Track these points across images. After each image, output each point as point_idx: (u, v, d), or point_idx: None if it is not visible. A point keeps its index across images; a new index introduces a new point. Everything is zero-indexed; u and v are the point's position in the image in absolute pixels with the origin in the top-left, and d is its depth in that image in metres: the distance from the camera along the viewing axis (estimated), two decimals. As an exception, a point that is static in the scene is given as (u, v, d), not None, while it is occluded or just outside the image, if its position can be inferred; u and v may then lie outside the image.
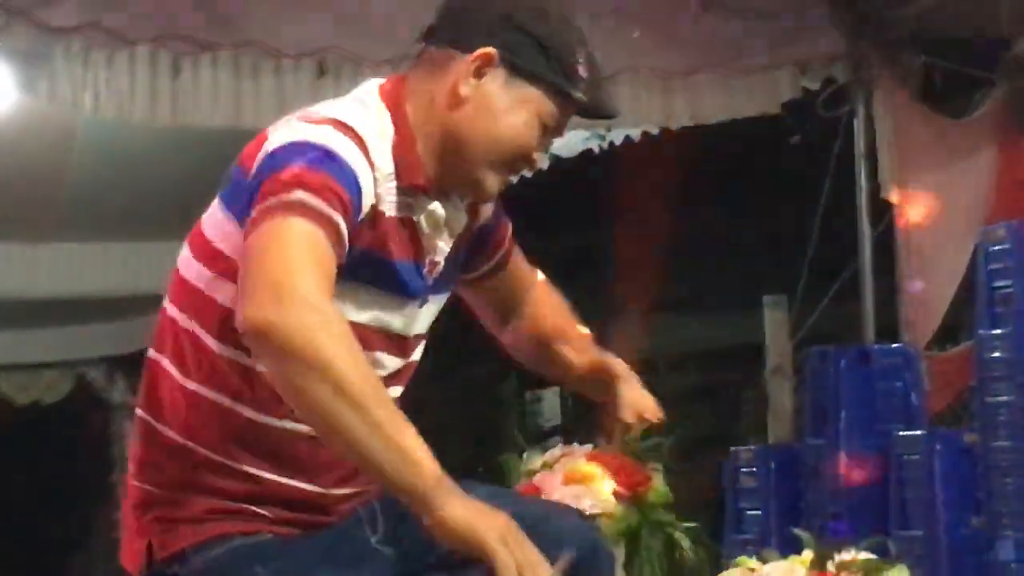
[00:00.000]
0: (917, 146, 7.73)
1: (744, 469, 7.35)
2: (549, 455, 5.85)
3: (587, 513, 5.45)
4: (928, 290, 7.63)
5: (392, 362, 3.09)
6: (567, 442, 6.16)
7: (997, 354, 5.77)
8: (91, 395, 17.00)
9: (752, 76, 7.59)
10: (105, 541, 17.79)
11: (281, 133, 2.89)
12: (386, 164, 2.91)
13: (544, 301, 3.51)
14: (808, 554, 4.20)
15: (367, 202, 2.86)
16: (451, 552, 2.87)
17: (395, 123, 2.96)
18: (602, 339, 3.52)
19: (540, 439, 11.77)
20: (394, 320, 3.04)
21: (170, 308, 3.05)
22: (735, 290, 10.24)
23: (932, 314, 7.63)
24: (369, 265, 2.94)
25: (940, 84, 7.86)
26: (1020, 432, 5.63)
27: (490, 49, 2.90)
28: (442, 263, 3.07)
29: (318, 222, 2.73)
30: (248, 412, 2.99)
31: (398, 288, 3.00)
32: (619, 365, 3.48)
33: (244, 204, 2.84)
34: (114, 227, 10.61)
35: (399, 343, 3.09)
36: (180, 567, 2.95)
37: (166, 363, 3.03)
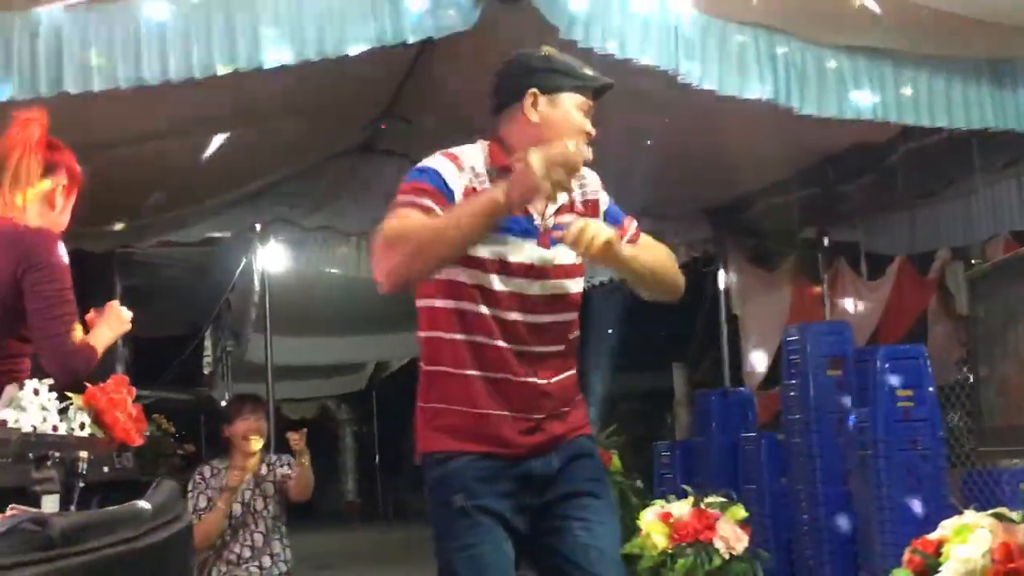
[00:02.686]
0: (750, 286, 7.71)
1: (663, 453, 7.28)
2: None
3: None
4: (756, 359, 7.60)
5: (518, 284, 2.50)
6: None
7: (792, 393, 5.73)
8: (328, 415, 17.05)
9: (665, 249, 7.56)
10: (335, 488, 17.86)
11: None
12: (477, 165, 2.49)
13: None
14: (690, 499, 4.15)
15: (460, 184, 2.44)
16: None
17: (490, 145, 2.54)
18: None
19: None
20: (512, 252, 2.49)
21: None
22: (661, 359, 10.18)
23: (759, 371, 7.59)
24: None
25: (762, 253, 7.89)
26: (805, 435, 5.57)
27: (532, 89, 2.51)
28: (551, 220, 2.53)
29: (410, 208, 2.33)
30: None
31: (505, 228, 2.45)
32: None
33: None
34: (339, 327, 10.66)
35: (528, 271, 2.51)
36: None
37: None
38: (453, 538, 2.41)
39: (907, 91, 4.57)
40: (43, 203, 2.83)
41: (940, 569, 2.33)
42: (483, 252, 2.47)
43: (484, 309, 2.48)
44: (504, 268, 2.50)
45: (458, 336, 2.47)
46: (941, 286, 6.85)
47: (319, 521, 16.26)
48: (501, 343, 2.48)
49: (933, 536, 2.45)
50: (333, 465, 17.50)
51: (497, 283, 2.49)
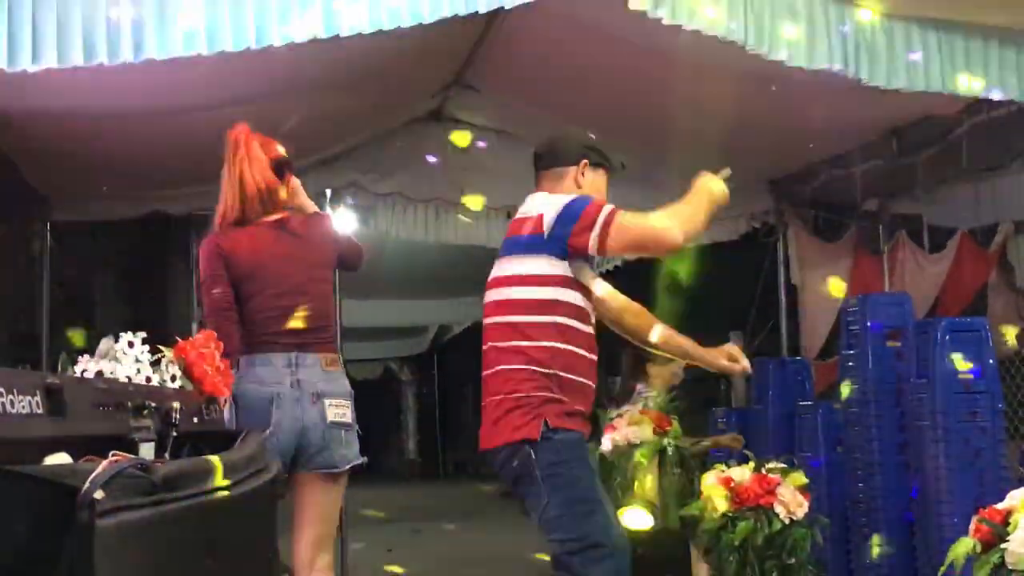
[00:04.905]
0: (809, 257, 7.60)
1: (720, 419, 7.23)
2: (620, 410, 5.78)
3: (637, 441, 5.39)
4: (814, 329, 7.51)
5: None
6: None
7: (850, 363, 5.65)
8: (391, 376, 17.20)
9: (726, 220, 7.49)
10: (396, 446, 18.06)
11: (557, 204, 2.99)
12: None
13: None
14: (751, 464, 4.12)
15: None
16: None
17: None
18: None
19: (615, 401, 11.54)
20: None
21: (507, 319, 3.02)
22: (719, 328, 10.10)
23: (817, 341, 7.49)
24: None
25: (822, 225, 7.77)
26: (862, 404, 5.50)
27: (584, 160, 3.15)
28: None
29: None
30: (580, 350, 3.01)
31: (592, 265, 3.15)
32: None
33: (556, 242, 2.95)
34: (405, 290, 10.70)
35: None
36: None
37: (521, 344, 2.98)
38: (593, 482, 2.97)
39: (977, 62, 4.45)
40: (294, 199, 3.53)
41: (1008, 538, 2.29)
42: (585, 280, 3.03)
43: (585, 327, 3.02)
44: (590, 295, 3.07)
45: (579, 349, 3.00)
46: (1002, 259, 6.71)
47: (381, 478, 16.47)
48: (591, 356, 3.03)
49: (1001, 506, 2.41)
50: (395, 424, 17.69)
51: (588, 306, 3.05)
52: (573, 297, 2.98)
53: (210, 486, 1.30)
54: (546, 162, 3.18)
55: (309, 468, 3.26)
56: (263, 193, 3.37)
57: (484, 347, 3.07)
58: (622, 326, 3.25)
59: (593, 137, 3.27)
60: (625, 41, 4.64)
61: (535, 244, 2.97)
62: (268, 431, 3.03)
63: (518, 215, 3.11)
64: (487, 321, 3.08)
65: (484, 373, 3.05)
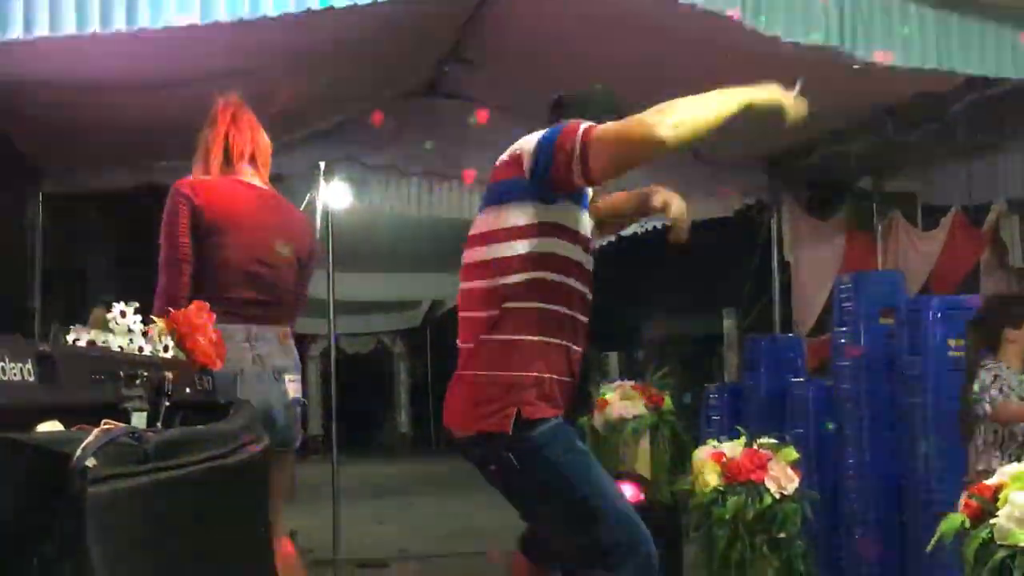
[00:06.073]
0: (803, 233, 7.61)
1: (712, 395, 7.24)
2: (612, 385, 5.80)
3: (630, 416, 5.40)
4: (807, 306, 7.52)
5: (587, 258, 2.67)
6: (622, 379, 6.12)
7: (842, 340, 5.66)
8: (383, 349, 17.19)
9: (720, 196, 7.48)
10: (392, 420, 18.07)
11: (531, 139, 2.56)
12: None
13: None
14: (743, 439, 4.13)
15: None
16: None
17: None
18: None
19: (607, 377, 11.58)
20: (585, 226, 2.66)
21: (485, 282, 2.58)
22: (711, 305, 10.11)
23: (809, 319, 7.50)
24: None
25: (816, 202, 7.76)
26: (853, 380, 5.52)
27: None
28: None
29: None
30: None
31: (583, 203, 2.66)
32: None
33: (540, 182, 2.50)
34: (398, 264, 10.68)
35: (588, 244, 2.68)
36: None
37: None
38: (590, 474, 2.54)
39: (971, 40, 4.43)
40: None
41: (997, 514, 2.30)
42: (577, 225, 2.60)
43: (574, 283, 2.60)
44: (584, 243, 2.63)
45: (562, 309, 2.57)
46: (995, 238, 6.71)
47: (374, 452, 16.50)
48: (580, 316, 2.62)
49: (991, 482, 2.42)
50: (388, 398, 17.69)
51: (581, 256, 2.62)
52: (560, 247, 2.55)
53: (203, 456, 1.30)
54: (570, 113, 2.65)
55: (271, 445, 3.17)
56: (261, 148, 3.28)
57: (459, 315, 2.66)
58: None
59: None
60: (624, 16, 4.61)
61: (516, 189, 2.53)
62: None
63: (498, 161, 2.66)
64: (462, 286, 2.64)
65: (459, 344, 2.64)
